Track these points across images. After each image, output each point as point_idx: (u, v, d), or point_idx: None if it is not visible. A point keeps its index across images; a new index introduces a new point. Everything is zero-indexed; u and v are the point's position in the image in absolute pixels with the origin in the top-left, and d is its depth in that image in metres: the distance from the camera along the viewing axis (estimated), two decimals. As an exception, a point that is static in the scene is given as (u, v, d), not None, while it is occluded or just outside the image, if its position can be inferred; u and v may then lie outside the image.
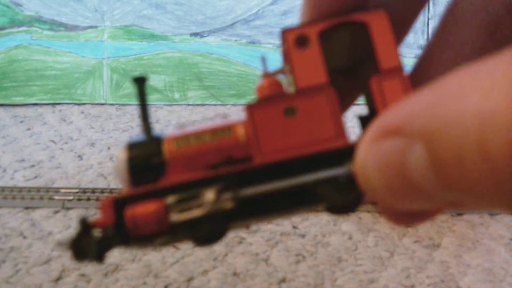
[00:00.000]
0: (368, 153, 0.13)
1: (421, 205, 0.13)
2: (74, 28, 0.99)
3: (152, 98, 0.95)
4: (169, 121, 0.88)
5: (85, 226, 0.17)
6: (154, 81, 0.96)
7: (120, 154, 0.19)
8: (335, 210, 0.17)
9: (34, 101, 0.96)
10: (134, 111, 0.92)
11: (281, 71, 0.19)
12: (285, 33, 0.19)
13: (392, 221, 0.15)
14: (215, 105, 0.98)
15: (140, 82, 0.21)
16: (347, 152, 0.17)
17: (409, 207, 0.13)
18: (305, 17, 0.19)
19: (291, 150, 0.17)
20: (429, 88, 0.12)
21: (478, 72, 0.10)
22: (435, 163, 0.11)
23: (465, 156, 0.10)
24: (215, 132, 0.19)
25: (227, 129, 0.19)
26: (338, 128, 0.18)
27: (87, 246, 0.17)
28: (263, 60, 0.20)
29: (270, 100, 0.18)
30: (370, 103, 0.18)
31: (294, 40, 0.18)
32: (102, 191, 0.61)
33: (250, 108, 0.18)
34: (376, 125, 0.13)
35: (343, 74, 0.19)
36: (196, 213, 0.17)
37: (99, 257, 0.17)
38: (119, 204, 0.18)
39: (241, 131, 0.19)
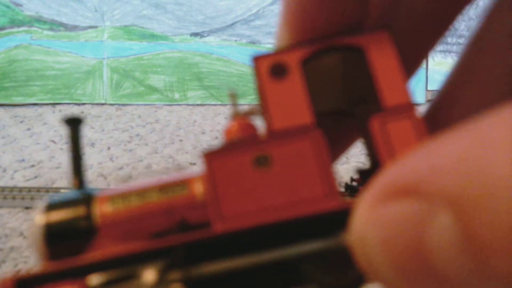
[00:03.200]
0: (369, 220, 0.09)
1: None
2: (74, 28, 0.99)
3: (152, 98, 0.95)
4: (169, 121, 0.88)
5: None
6: (154, 81, 0.97)
7: (36, 218, 0.14)
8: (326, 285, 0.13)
9: (34, 101, 0.96)
10: (134, 111, 0.92)
11: (255, 110, 0.15)
12: (257, 60, 0.14)
13: None
14: (215, 105, 0.98)
15: (74, 124, 0.16)
16: (340, 217, 0.12)
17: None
18: (283, 40, 0.15)
19: (263, 214, 0.13)
20: (456, 135, 0.08)
21: None
22: (471, 243, 0.07)
23: None
24: (165, 188, 0.14)
25: (181, 184, 0.14)
26: (328, 184, 0.13)
27: None
28: (233, 98, 0.16)
29: (236, 146, 0.14)
30: (372, 151, 0.14)
31: (268, 70, 0.14)
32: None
33: (209, 157, 0.14)
34: (381, 182, 0.09)
35: (334, 112, 0.15)
36: None
37: None
38: (25, 285, 0.13)
39: (199, 188, 0.14)
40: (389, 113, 0.14)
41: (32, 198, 0.59)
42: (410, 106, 0.14)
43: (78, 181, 0.16)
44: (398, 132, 0.14)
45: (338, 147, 0.16)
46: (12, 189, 0.61)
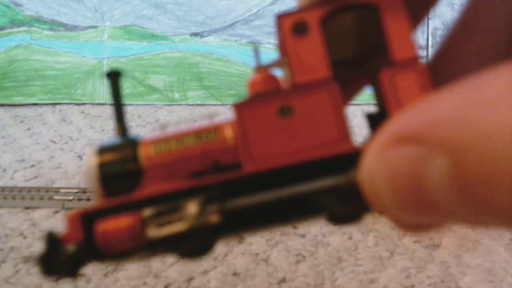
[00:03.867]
0: (377, 161, 0.11)
1: (433, 220, 0.11)
2: (74, 28, 0.99)
3: (152, 98, 0.95)
4: (169, 121, 0.88)
5: (53, 241, 0.16)
6: (154, 81, 0.97)
7: (90, 160, 0.17)
8: (336, 220, 0.15)
9: (34, 101, 0.96)
10: (134, 111, 0.92)
11: (277, 63, 0.17)
12: (280, 19, 0.16)
13: (399, 228, 0.13)
14: (215, 105, 0.98)
15: (114, 77, 0.18)
16: (351, 158, 0.14)
17: (419, 220, 0.11)
18: (304, 0, 0.16)
19: (287, 156, 0.15)
20: (456, 91, 0.10)
21: None
22: (460, 179, 0.10)
23: (499, 175, 0.09)
24: (200, 134, 0.17)
25: (213, 130, 0.17)
26: (342, 130, 0.15)
27: (57, 261, 0.16)
28: (256, 51, 0.18)
29: (262, 98, 0.16)
30: (380, 99, 0.16)
31: (291, 27, 0.16)
32: (102, 191, 0.61)
33: (239, 107, 0.16)
34: (389, 130, 0.11)
35: (348, 63, 0.17)
36: (177, 228, 0.15)
37: (72, 272, 0.16)
38: (88, 218, 0.16)
39: (229, 133, 0.17)
40: (397, 66, 0.15)
41: (32, 198, 0.59)
42: (416, 59, 0.15)
43: (122, 129, 0.18)
44: (404, 84, 0.15)
45: (349, 92, 0.18)
46: (12, 189, 0.61)
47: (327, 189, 0.15)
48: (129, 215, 0.15)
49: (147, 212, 0.15)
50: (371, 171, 0.11)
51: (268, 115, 0.16)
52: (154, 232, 0.15)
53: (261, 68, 0.17)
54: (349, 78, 0.17)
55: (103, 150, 0.17)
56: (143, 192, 0.16)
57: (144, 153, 0.17)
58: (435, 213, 0.10)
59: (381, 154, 0.11)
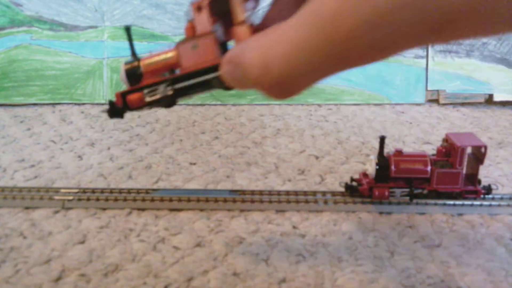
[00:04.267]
0: (224, 69, 0.32)
1: (245, 88, 0.31)
2: (74, 28, 0.99)
3: (152, 98, 0.95)
4: (169, 121, 0.88)
5: (112, 103, 0.38)
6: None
7: (121, 68, 0.37)
8: (219, 88, 0.35)
9: (34, 101, 0.96)
10: (133, 111, 0.92)
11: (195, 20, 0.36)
12: (192, 4, 0.35)
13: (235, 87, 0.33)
14: (215, 105, 0.98)
15: (128, 29, 0.37)
16: (219, 66, 0.33)
17: (240, 87, 0.32)
18: None
19: (197, 65, 0.35)
20: (243, 43, 0.30)
21: (259, 38, 0.29)
22: (244, 76, 0.29)
23: (251, 76, 0.29)
24: (166, 58, 0.36)
25: (170, 56, 0.36)
26: (217, 55, 0.34)
27: (115, 111, 0.38)
28: (188, 13, 0.35)
29: (185, 40, 0.35)
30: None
31: (195, 8, 0.35)
32: (102, 191, 0.61)
33: (177, 45, 0.35)
34: (227, 56, 0.31)
35: (223, 18, 0.35)
36: (156, 97, 0.37)
37: (121, 116, 0.38)
38: (124, 94, 0.37)
39: (176, 57, 0.36)
40: (236, 25, 0.33)
41: (32, 198, 0.59)
42: (245, 21, 0.33)
43: (134, 54, 0.37)
44: (239, 33, 0.33)
45: (228, 33, 0.36)
46: (12, 189, 0.61)
47: (212, 77, 0.35)
48: (138, 92, 0.37)
49: (146, 92, 0.37)
50: (223, 71, 0.32)
51: (187, 49, 0.35)
52: (148, 99, 0.37)
53: (190, 22, 0.35)
54: (226, 26, 0.35)
55: (126, 63, 0.37)
56: (143, 82, 0.37)
57: (142, 65, 0.37)
58: (244, 85, 0.31)
59: (225, 67, 0.31)
